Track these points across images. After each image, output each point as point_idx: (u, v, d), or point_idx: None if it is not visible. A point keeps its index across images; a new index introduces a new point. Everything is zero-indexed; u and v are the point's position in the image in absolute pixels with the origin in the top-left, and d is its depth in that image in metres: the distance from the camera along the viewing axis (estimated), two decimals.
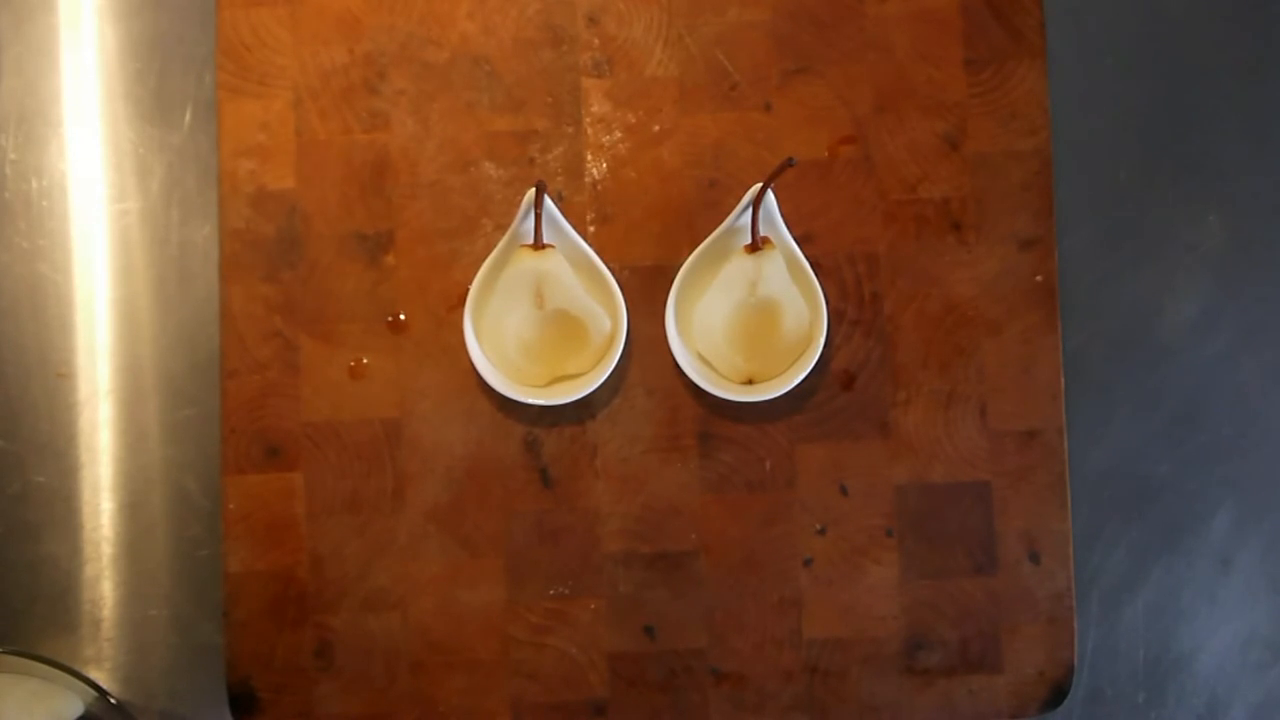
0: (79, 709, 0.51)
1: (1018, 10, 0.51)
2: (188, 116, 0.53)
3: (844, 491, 0.51)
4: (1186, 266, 0.53)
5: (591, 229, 0.51)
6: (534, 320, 0.50)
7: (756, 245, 0.48)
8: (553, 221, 0.49)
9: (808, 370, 0.49)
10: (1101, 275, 0.53)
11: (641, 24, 0.52)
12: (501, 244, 0.49)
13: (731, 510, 0.51)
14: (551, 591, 0.51)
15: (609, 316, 0.49)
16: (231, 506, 0.51)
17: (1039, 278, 0.51)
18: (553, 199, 0.50)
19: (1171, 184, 0.53)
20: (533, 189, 0.47)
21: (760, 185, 0.48)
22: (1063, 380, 0.51)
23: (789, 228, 0.49)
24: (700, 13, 0.51)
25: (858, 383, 0.51)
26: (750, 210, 0.48)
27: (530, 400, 0.49)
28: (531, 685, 0.51)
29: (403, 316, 0.51)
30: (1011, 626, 0.50)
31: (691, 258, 0.49)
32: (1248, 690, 0.52)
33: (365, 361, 0.51)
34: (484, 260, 0.50)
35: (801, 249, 0.49)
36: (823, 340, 0.49)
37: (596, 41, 0.52)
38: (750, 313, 0.49)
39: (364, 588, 0.51)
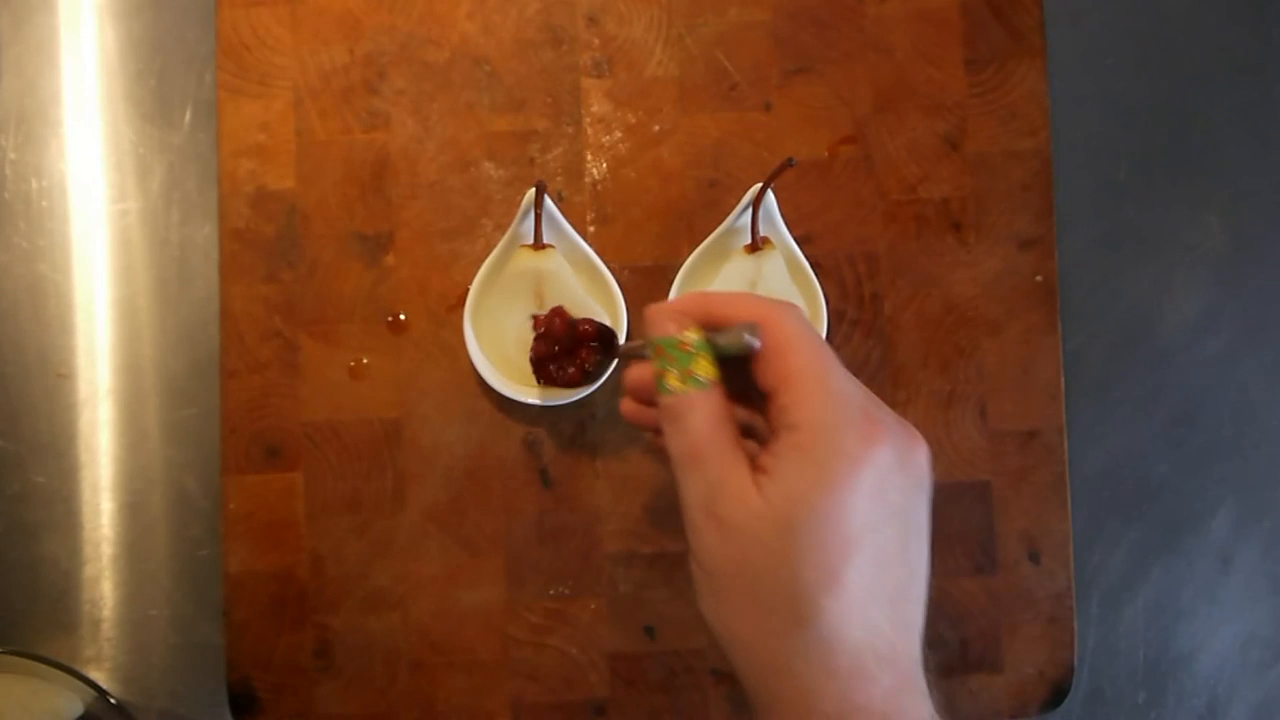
0: (79, 709, 0.51)
1: (1018, 10, 0.51)
2: (188, 116, 0.53)
3: None
4: (1186, 266, 0.53)
5: (591, 229, 0.51)
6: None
7: (756, 245, 0.48)
8: (553, 221, 0.49)
9: None
10: (1101, 275, 0.53)
11: (641, 24, 0.52)
12: (501, 244, 0.49)
13: None
14: (551, 591, 0.51)
15: (609, 316, 0.49)
16: (231, 506, 0.51)
17: (1039, 278, 0.51)
18: (553, 199, 0.50)
19: (1171, 184, 0.53)
20: (533, 189, 0.47)
21: (760, 185, 0.48)
22: (1063, 380, 0.51)
23: (789, 228, 0.49)
24: (700, 13, 0.51)
25: None
26: (750, 210, 0.48)
27: (530, 400, 0.49)
28: (531, 685, 0.51)
29: (403, 316, 0.51)
30: (1011, 626, 0.50)
31: (691, 258, 0.49)
32: (1248, 690, 0.52)
33: (365, 361, 0.51)
34: (484, 260, 0.50)
35: (801, 249, 0.49)
36: None
37: (596, 41, 0.52)
38: None
39: (364, 588, 0.51)
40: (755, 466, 0.33)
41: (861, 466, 0.32)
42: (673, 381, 0.35)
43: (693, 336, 0.35)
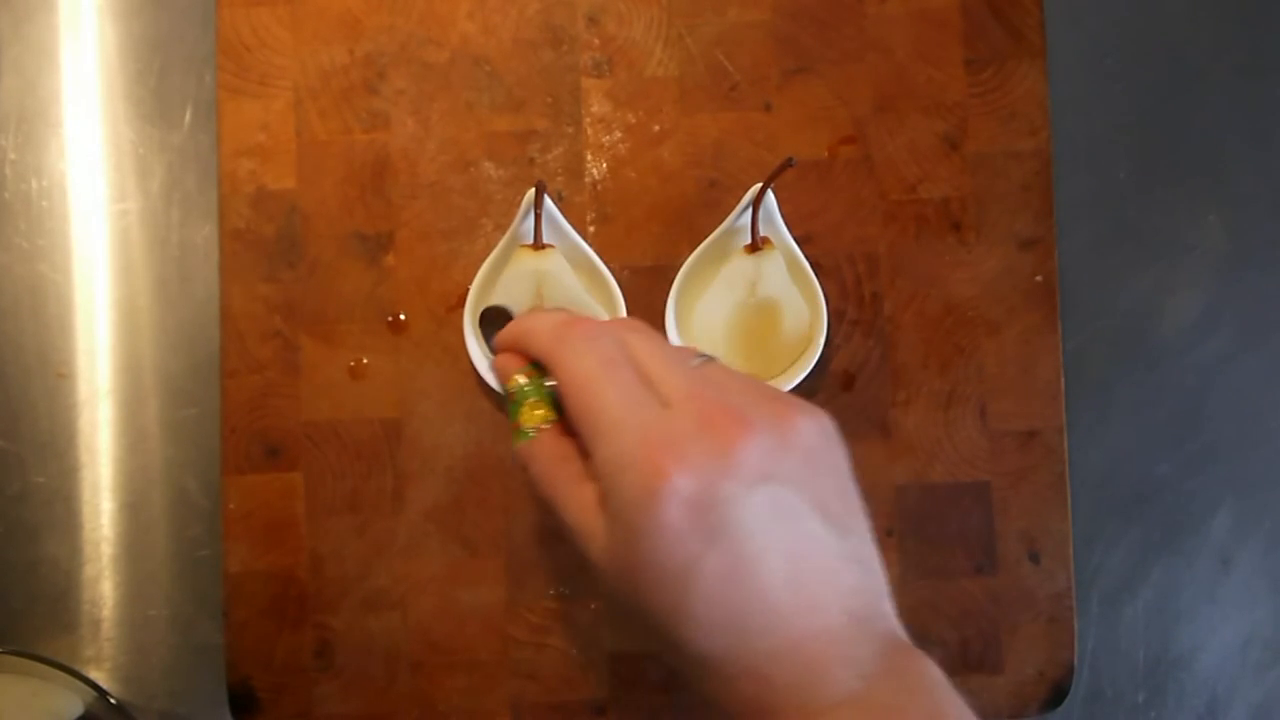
0: (79, 709, 0.51)
1: (1018, 10, 0.51)
2: (188, 116, 0.53)
3: None
4: (1186, 266, 0.53)
5: (591, 229, 0.51)
6: None
7: (756, 245, 0.48)
8: (553, 221, 0.49)
9: (808, 370, 0.49)
10: (1101, 275, 0.53)
11: (641, 24, 0.52)
12: (501, 244, 0.49)
13: None
14: (551, 591, 0.51)
15: (609, 316, 0.49)
16: (231, 506, 0.51)
17: (1039, 278, 0.51)
18: (553, 199, 0.50)
19: (1171, 184, 0.53)
20: (533, 189, 0.48)
21: (760, 185, 0.48)
22: (1063, 380, 0.51)
23: (789, 228, 0.49)
24: (700, 13, 0.51)
25: (858, 383, 0.51)
26: (750, 210, 0.48)
27: None
28: (531, 685, 0.51)
29: (403, 316, 0.51)
30: (1011, 626, 0.50)
31: (691, 258, 0.49)
32: (1248, 690, 0.52)
33: (365, 361, 0.51)
34: (484, 260, 0.50)
35: (801, 249, 0.49)
36: (823, 340, 0.49)
37: (596, 41, 0.52)
38: (750, 313, 0.49)
39: (364, 588, 0.51)
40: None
41: (654, 508, 0.31)
42: (514, 432, 0.36)
43: (520, 381, 0.35)
